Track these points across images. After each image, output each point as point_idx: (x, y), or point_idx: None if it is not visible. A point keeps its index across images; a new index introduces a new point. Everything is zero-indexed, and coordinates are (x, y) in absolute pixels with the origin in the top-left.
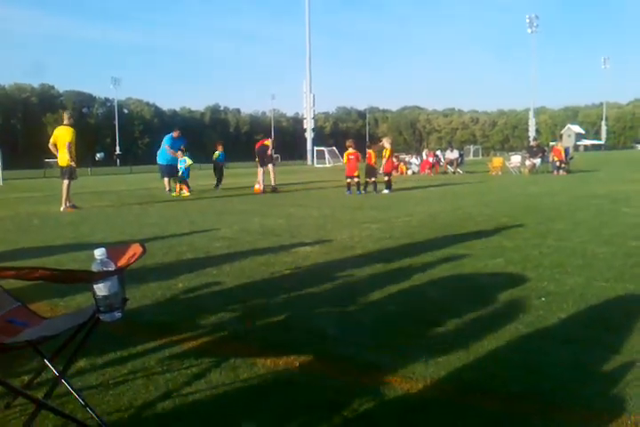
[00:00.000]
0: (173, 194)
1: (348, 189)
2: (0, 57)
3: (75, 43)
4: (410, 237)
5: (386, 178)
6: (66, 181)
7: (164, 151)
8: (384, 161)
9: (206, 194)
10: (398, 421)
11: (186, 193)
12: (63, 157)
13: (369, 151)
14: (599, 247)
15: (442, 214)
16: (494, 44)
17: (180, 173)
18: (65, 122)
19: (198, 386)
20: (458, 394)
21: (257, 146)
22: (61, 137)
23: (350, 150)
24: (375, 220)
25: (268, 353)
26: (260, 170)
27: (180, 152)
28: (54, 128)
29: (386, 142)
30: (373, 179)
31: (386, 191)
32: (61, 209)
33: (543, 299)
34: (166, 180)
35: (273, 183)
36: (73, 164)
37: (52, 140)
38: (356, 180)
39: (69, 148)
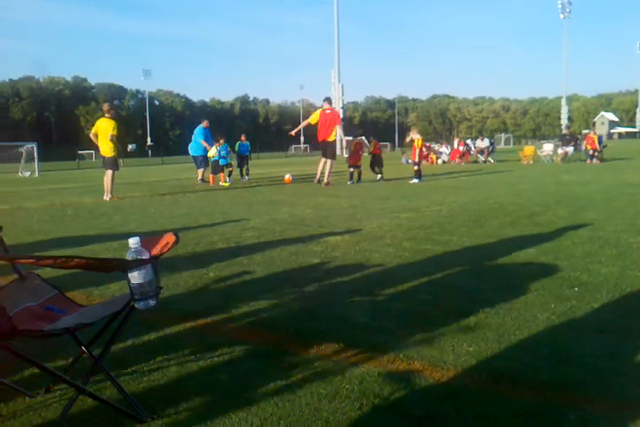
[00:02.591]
0: (226, 184)
1: (351, 178)
2: (32, 49)
3: (106, 35)
4: (440, 227)
5: (415, 167)
6: (110, 171)
7: (198, 143)
8: (416, 151)
9: (236, 184)
10: (429, 409)
11: (225, 183)
12: (106, 148)
13: (373, 142)
14: (633, 237)
15: (472, 204)
16: (526, 30)
17: (218, 162)
18: (106, 114)
19: (231, 374)
20: (489, 383)
21: (326, 137)
22: (103, 129)
23: (357, 140)
24: (405, 209)
25: (299, 341)
26: (323, 160)
27: (221, 141)
28: (87, 120)
29: (413, 133)
30: (366, 169)
31: (415, 181)
32: (107, 198)
33: (576, 289)
34: (200, 171)
35: (326, 178)
36: (116, 154)
37: (93, 130)
38: (351, 169)
39: (112, 139)
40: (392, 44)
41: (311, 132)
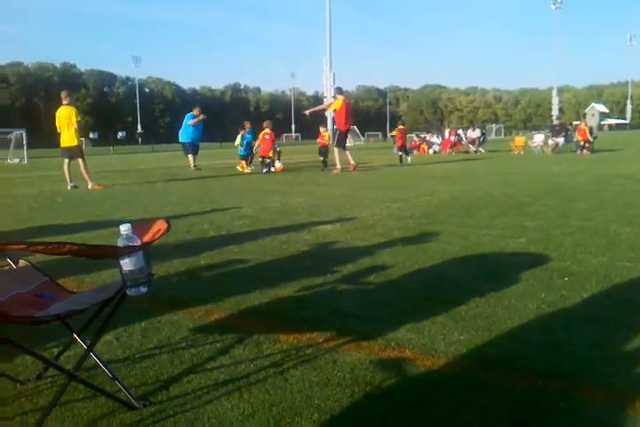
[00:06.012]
0: (239, 169)
1: (265, 168)
2: (23, 35)
3: (95, 20)
4: (430, 217)
5: (400, 153)
6: (81, 160)
7: (187, 129)
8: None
9: (225, 172)
10: (420, 396)
11: (246, 170)
12: (71, 137)
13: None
14: (623, 227)
15: (463, 194)
16: (518, 21)
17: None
18: (65, 102)
19: (222, 361)
20: (479, 371)
21: (344, 128)
22: (65, 117)
23: (266, 131)
24: (396, 199)
25: (291, 330)
26: (342, 150)
27: (243, 130)
28: (76, 107)
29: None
30: (322, 158)
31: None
32: (89, 187)
33: (566, 279)
34: (191, 157)
35: (352, 162)
36: (80, 142)
37: (57, 124)
38: (267, 160)
39: (79, 126)
40: (384, 32)
41: (304, 120)
